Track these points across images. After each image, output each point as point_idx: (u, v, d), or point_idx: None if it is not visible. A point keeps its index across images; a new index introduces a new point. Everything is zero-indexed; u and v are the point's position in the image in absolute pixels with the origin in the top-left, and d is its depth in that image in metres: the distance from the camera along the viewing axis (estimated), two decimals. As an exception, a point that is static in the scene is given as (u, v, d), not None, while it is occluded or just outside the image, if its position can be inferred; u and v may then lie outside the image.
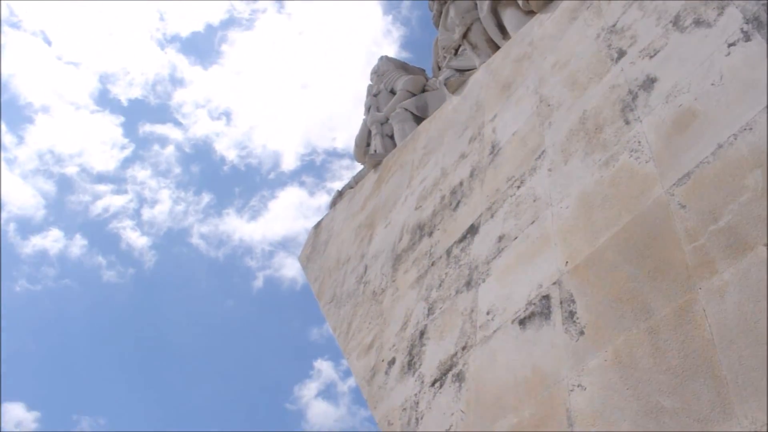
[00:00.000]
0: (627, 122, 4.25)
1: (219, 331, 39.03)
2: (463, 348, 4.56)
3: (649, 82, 4.27)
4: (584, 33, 5.66)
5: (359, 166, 11.35)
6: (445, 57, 10.07)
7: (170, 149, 44.28)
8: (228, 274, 41.40)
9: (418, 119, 10.06)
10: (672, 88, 4.03)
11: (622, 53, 4.84)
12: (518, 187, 5.12)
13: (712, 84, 3.71)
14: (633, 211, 3.70)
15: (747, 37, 3.67)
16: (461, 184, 6.21)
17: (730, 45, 3.78)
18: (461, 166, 6.47)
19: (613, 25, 5.23)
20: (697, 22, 4.19)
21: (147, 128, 44.36)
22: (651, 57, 4.45)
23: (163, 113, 47.70)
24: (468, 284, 4.99)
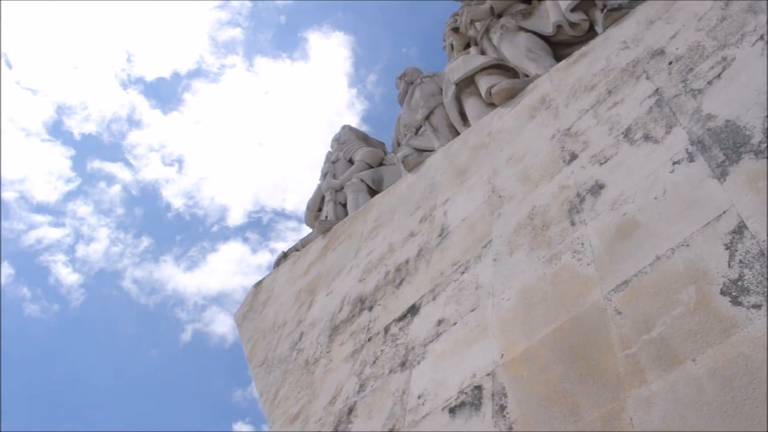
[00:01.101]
0: (573, 223, 4.38)
1: (138, 380, 37.45)
2: (391, 430, 4.48)
3: (597, 188, 4.43)
4: (541, 132, 5.87)
5: (306, 230, 11.33)
6: (405, 135, 10.28)
7: (116, 189, 43.40)
8: (156, 323, 40.12)
9: (373, 192, 10.16)
10: (618, 196, 4.19)
11: (574, 156, 5.03)
12: (462, 272, 5.17)
13: (656, 198, 3.87)
14: (571, 312, 3.76)
15: (691, 158, 3.87)
16: (407, 262, 6.24)
17: (674, 163, 3.97)
18: (409, 245, 6.52)
19: (568, 129, 5.45)
20: (647, 137, 4.40)
21: (96, 164, 43.53)
22: (601, 164, 4.63)
23: (115, 152, 46.99)
24: (403, 365, 4.95)
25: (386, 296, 6.09)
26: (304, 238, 10.65)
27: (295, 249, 10.62)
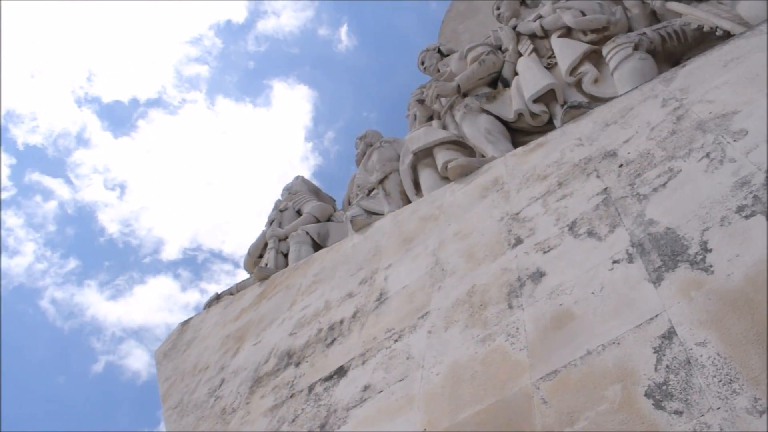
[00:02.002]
0: (510, 307, 4.42)
1: (40, 405, 35.42)
2: (300, 494, 4.32)
3: (538, 275, 4.51)
4: (490, 212, 5.99)
5: (242, 275, 11.14)
6: (357, 194, 10.34)
7: (52, 204, 41.97)
8: (69, 349, 38.27)
9: (317, 246, 10.11)
10: (557, 286, 4.27)
11: (519, 241, 5.13)
12: (395, 340, 5.13)
13: (593, 293, 3.95)
14: (498, 395, 3.75)
15: (630, 259, 3.99)
16: (341, 322, 6.16)
17: (614, 261, 4.08)
18: (346, 305, 6.46)
19: (517, 213, 5.58)
20: (590, 233, 4.53)
21: (35, 177, 42.16)
22: (544, 252, 4.73)
23: (57, 168, 45.66)
24: (322, 426, 4.82)
25: (315, 354, 5.98)
26: (240, 282, 10.44)
27: (230, 292, 10.39)
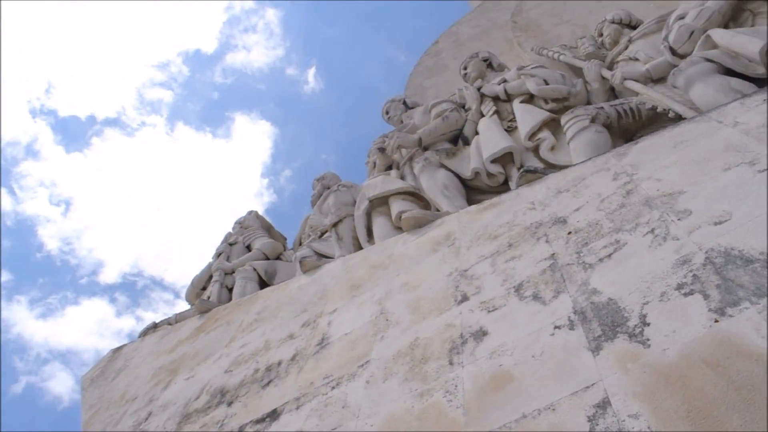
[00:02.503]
0: (451, 363, 4.41)
1: (-50, 425, 33.44)
2: None
3: (481, 334, 4.52)
4: (439, 267, 6.02)
5: (183, 305, 10.87)
6: (309, 236, 10.29)
7: (-10, 214, 40.60)
8: (-13, 367, 36.60)
9: (263, 283, 9.98)
10: (499, 346, 4.28)
11: (465, 298, 5.15)
12: (333, 387, 5.04)
13: (533, 356, 3.98)
14: (431, 452, 3.71)
15: (572, 326, 4.04)
16: (279, 363, 6.05)
17: (556, 327, 4.13)
18: (286, 346, 6.35)
19: (466, 270, 5.62)
20: (535, 297, 4.59)
21: (-24, 184, 40.85)
22: (489, 311, 4.75)
23: (2, 176, 44.39)
24: (248, 471, 4.67)
25: (250, 394, 5.83)
26: (180, 313, 10.19)
27: (168, 322, 10.11)
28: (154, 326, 10.24)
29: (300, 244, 11.00)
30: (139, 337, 10.22)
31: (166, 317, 10.44)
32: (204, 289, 10.94)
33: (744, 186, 4.31)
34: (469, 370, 4.23)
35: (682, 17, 8.03)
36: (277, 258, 11.16)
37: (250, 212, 12.93)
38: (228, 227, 12.75)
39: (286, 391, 5.46)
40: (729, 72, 6.69)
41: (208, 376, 6.83)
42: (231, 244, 11.82)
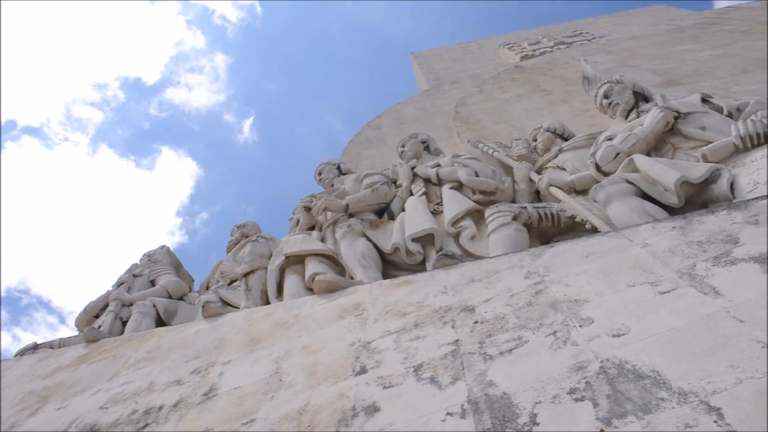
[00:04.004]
0: (338, 435, 4.31)
1: None
2: None
3: (373, 410, 4.45)
4: (343, 335, 5.95)
5: (66, 331, 10.26)
6: (218, 281, 10.04)
7: None
8: None
9: (161, 322, 9.57)
10: (388, 424, 4.21)
11: (364, 370, 5.08)
12: (212, 442, 4.81)
13: (421, 440, 3.93)
14: None
15: (463, 415, 4.03)
16: (160, 408, 5.74)
17: (448, 413, 4.11)
18: (171, 391, 6.05)
19: (369, 342, 5.57)
20: (433, 380, 4.57)
21: None
22: (384, 387, 4.70)
23: None
24: None
25: (121, 437, 5.48)
26: (65, 338, 9.63)
27: (50, 345, 9.52)
28: (35, 347, 9.60)
29: (207, 288, 10.70)
30: (15, 356, 9.55)
31: (49, 341, 9.83)
32: (97, 317, 10.39)
33: (644, 304, 4.51)
34: (355, 444, 4.13)
35: (610, 138, 8.54)
36: (181, 298, 10.76)
37: (162, 247, 12.53)
38: (133, 260, 12.28)
39: (161, 439, 5.17)
40: (645, 196, 7.11)
41: (81, 409, 6.41)
42: (135, 276, 11.35)
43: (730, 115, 8.12)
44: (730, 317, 3.96)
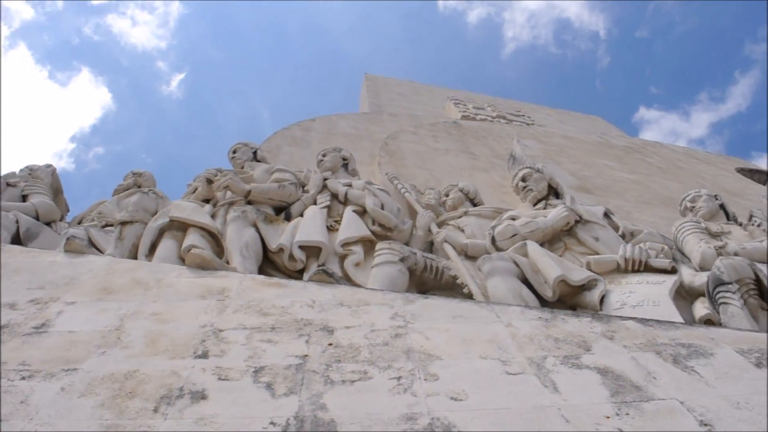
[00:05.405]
0: (155, 410, 4.15)
1: None
2: None
3: (200, 396, 4.34)
4: (198, 315, 5.79)
5: None
6: (93, 220, 9.62)
7: None
8: None
9: (18, 240, 8.99)
10: (210, 416, 4.13)
11: (205, 355, 4.98)
12: (23, 378, 4.51)
13: None
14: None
15: (286, 428, 4.00)
16: (-18, 326, 5.38)
17: (271, 422, 4.07)
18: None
19: (221, 331, 5.46)
20: (269, 386, 4.53)
21: None
22: (219, 379, 4.61)
23: None
24: None
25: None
26: None
27: None
28: None
29: (79, 223, 10.18)
30: None
31: None
32: None
33: (489, 378, 4.67)
34: (169, 425, 4.00)
35: (513, 218, 8.91)
36: (48, 224, 10.15)
37: (49, 166, 11.80)
38: (12, 168, 11.52)
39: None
40: (526, 281, 7.43)
41: None
42: (9, 185, 10.64)
43: (623, 236, 8.65)
44: (558, 414, 4.16)
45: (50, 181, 11.38)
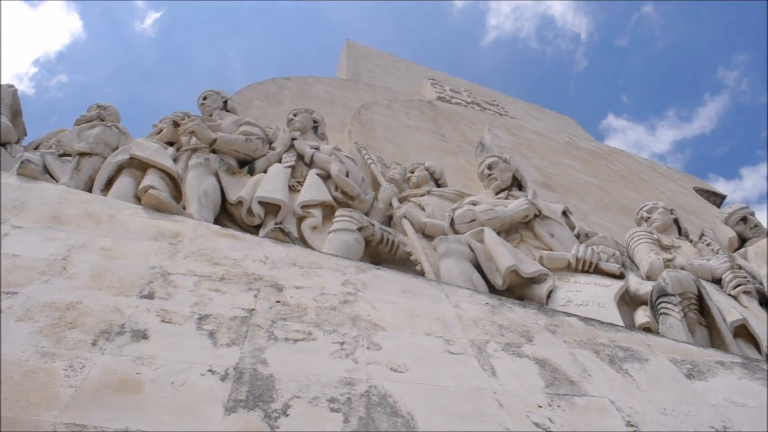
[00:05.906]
0: (94, 344, 4.12)
1: None
2: None
3: (141, 336, 4.32)
4: (148, 256, 5.72)
5: None
6: (51, 147, 9.36)
7: None
8: None
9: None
10: (149, 356, 4.11)
11: (151, 296, 4.94)
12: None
13: (172, 382, 3.85)
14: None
15: (224, 378, 4.01)
16: None
17: (210, 370, 4.07)
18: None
19: (169, 274, 5.41)
20: (211, 334, 4.52)
21: None
22: (162, 321, 4.58)
23: None
24: None
25: None
26: None
27: None
28: None
29: (36, 149, 9.88)
30: None
31: None
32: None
33: (430, 355, 4.74)
34: (106, 360, 3.97)
35: (474, 204, 8.98)
36: (3, 145, 9.82)
37: (11, 86, 11.36)
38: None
39: None
40: (478, 267, 7.53)
41: None
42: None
43: (578, 236, 8.81)
44: (493, 398, 4.25)
45: (10, 101, 10.98)
